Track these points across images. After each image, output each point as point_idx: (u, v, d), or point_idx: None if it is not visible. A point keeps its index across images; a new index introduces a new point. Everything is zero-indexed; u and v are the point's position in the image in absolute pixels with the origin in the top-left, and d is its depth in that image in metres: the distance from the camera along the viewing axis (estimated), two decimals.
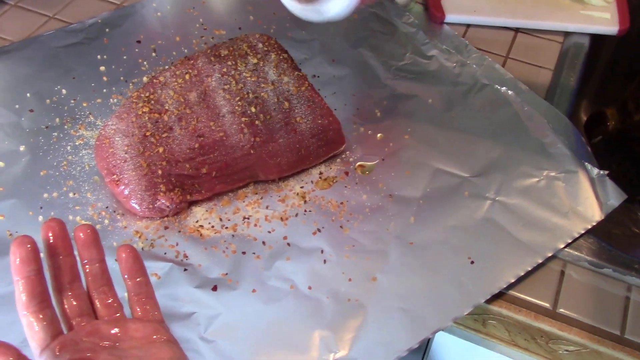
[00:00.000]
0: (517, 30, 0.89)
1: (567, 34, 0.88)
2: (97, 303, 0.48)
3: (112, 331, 0.46)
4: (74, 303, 0.46)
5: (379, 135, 0.74)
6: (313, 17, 0.60)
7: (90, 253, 0.48)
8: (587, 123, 1.00)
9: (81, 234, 0.48)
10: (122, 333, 0.46)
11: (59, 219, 0.47)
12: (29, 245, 0.44)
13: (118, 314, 0.48)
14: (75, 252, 0.47)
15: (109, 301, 0.48)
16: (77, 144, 0.71)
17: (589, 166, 0.71)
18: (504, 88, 0.79)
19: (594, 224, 0.66)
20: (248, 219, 0.66)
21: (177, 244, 0.64)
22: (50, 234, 0.46)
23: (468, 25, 0.89)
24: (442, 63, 0.83)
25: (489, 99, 0.78)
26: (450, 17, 0.88)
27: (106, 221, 0.65)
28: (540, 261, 0.63)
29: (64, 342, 0.43)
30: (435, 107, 0.77)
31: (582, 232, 0.66)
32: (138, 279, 0.49)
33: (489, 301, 0.61)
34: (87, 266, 0.48)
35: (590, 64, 0.89)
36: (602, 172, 0.70)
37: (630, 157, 0.92)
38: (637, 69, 0.99)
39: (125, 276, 0.49)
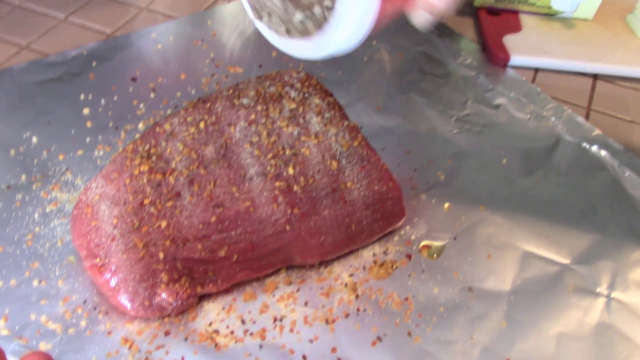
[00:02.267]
0: (595, 76, 0.73)
1: None
2: None
3: None
4: None
5: (446, 205, 0.57)
6: (311, 53, 0.44)
7: None
8: None
9: None
10: None
11: (43, 353, 0.29)
12: None
13: None
14: None
15: None
16: (48, 210, 0.53)
17: None
18: (595, 147, 0.63)
19: None
20: (281, 320, 0.48)
21: (183, 359, 0.45)
22: None
23: (537, 69, 0.73)
24: (512, 114, 0.66)
25: (577, 161, 0.62)
26: (515, 59, 0.72)
27: (83, 323, 0.46)
28: None
29: None
30: (512, 170, 0.61)
31: None
32: None
33: None
34: None
35: None
36: None
37: None
38: None
39: None
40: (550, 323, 0.49)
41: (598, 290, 0.51)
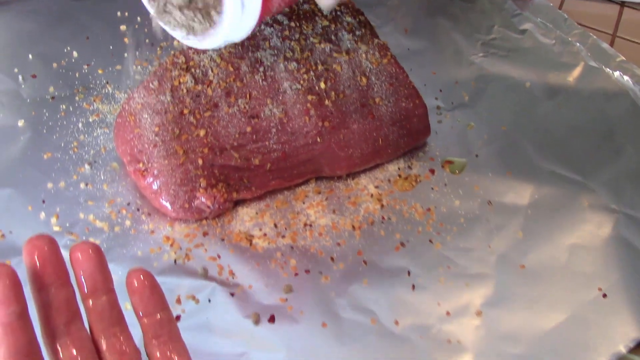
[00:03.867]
0: (622, 3, 0.74)
1: None
2: (105, 350, 0.34)
3: None
4: (74, 352, 0.32)
5: (469, 124, 0.59)
6: (207, 45, 0.45)
7: (94, 282, 0.33)
8: None
9: (80, 255, 0.33)
10: None
11: (47, 235, 0.32)
12: (7, 279, 0.30)
13: None
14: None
15: (122, 347, 0.34)
16: (91, 120, 0.56)
17: None
18: (618, 73, 0.64)
19: None
20: (310, 225, 0.51)
21: (219, 257, 0.49)
22: (36, 258, 0.32)
23: None
24: (538, 39, 0.68)
25: (600, 86, 0.64)
26: None
27: (127, 222, 0.50)
28: None
29: None
30: (535, 93, 0.63)
31: None
32: (158, 316, 0.35)
33: (631, 350, 0.46)
34: (89, 300, 0.33)
35: None
36: None
37: None
38: None
39: (140, 313, 0.34)
40: (564, 235, 0.52)
41: (613, 206, 0.54)
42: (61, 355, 0.32)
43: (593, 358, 0.45)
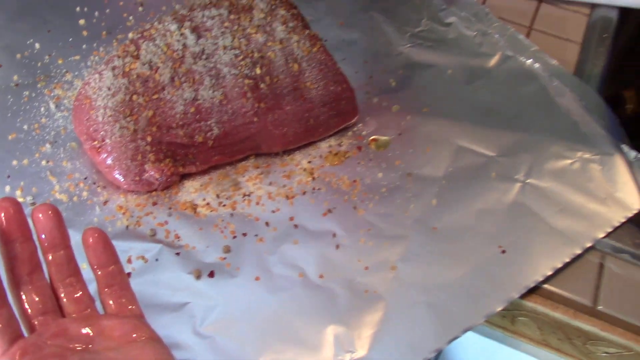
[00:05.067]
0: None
1: (594, 5, 0.81)
2: (64, 298, 0.40)
3: (83, 331, 0.38)
4: (36, 299, 0.38)
5: (394, 107, 0.66)
6: None
7: (53, 238, 0.39)
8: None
9: (40, 215, 0.39)
10: (95, 332, 0.38)
11: (12, 197, 0.39)
12: None
13: (89, 310, 0.40)
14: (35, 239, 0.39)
15: (78, 295, 0.40)
16: (51, 105, 0.62)
17: (625, 148, 0.64)
18: (530, 60, 0.72)
19: (635, 212, 0.59)
20: (249, 195, 0.58)
21: (167, 222, 0.55)
22: (2, 217, 0.38)
23: None
24: (461, 31, 0.75)
25: (513, 72, 0.71)
26: None
27: (85, 194, 0.56)
28: (578, 252, 0.56)
29: (25, 347, 0.35)
30: (456, 79, 0.70)
31: (623, 220, 0.59)
32: (110, 268, 0.41)
33: (522, 296, 0.54)
34: (49, 254, 0.39)
35: (614, 40, 0.82)
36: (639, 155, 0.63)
37: None
38: None
39: (95, 265, 0.40)
40: (473, 202, 0.59)
41: (516, 177, 0.61)
42: (24, 300, 0.38)
43: (490, 303, 0.52)
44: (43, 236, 0.39)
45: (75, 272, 0.40)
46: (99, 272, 0.41)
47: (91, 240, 0.40)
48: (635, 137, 0.86)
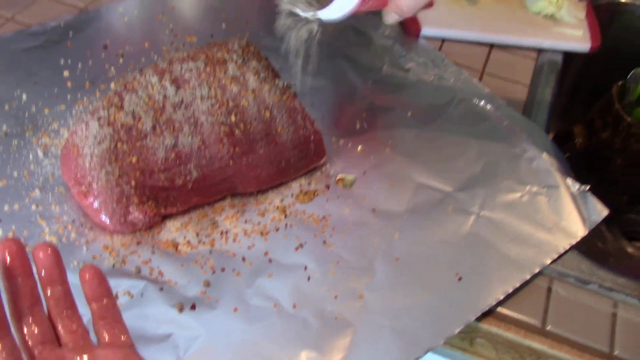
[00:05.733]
0: (491, 45, 0.89)
1: (540, 50, 0.89)
2: (61, 329, 0.43)
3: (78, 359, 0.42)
4: (35, 330, 0.42)
5: (359, 147, 0.72)
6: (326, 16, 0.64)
7: (51, 274, 0.43)
8: (555, 140, 1.00)
9: (41, 254, 0.43)
10: None
11: (16, 237, 0.43)
12: None
13: (84, 341, 0.44)
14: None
15: (74, 326, 0.44)
16: (39, 152, 0.67)
17: (569, 181, 0.70)
18: (483, 102, 0.78)
19: (579, 239, 0.65)
20: (226, 233, 0.63)
21: (150, 260, 0.60)
22: (7, 254, 0.42)
23: (443, 40, 0.88)
24: (420, 76, 0.81)
25: (468, 113, 0.77)
26: (425, 31, 0.87)
27: (73, 235, 0.60)
28: (528, 277, 0.62)
29: None
30: (416, 120, 0.76)
31: (568, 247, 0.65)
32: (104, 301, 0.45)
33: (478, 319, 0.59)
34: (48, 289, 0.44)
35: (560, 81, 0.89)
36: (583, 187, 0.70)
37: (597, 174, 0.93)
38: (603, 87, 1.00)
39: (90, 299, 0.45)
40: (432, 233, 0.65)
41: (471, 210, 0.67)
42: (25, 331, 0.42)
43: (450, 325, 0.57)
44: (43, 272, 0.43)
45: (72, 305, 0.44)
46: (94, 305, 0.45)
47: (87, 276, 0.44)
48: (587, 168, 0.93)
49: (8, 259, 0.42)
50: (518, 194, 0.69)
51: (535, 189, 0.69)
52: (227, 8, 0.87)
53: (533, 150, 0.73)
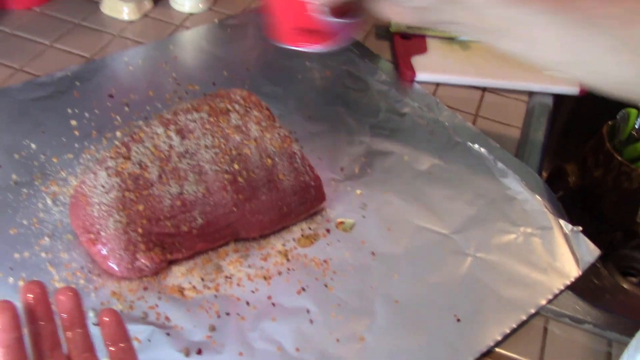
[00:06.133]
0: (484, 89, 0.92)
1: (531, 93, 0.92)
2: None
3: None
4: None
5: (358, 191, 0.74)
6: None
7: (72, 318, 0.45)
8: (549, 178, 1.03)
9: (62, 298, 0.45)
10: None
11: (39, 281, 0.45)
12: (10, 312, 0.42)
13: None
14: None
15: None
16: (48, 200, 0.69)
17: (562, 222, 0.72)
18: (476, 145, 0.81)
19: (572, 279, 0.67)
20: (230, 278, 0.64)
21: (157, 306, 0.61)
22: (30, 298, 0.44)
23: (437, 84, 0.91)
24: (415, 120, 0.84)
25: (462, 156, 0.80)
26: (420, 76, 0.90)
27: (82, 281, 0.62)
28: (524, 318, 0.64)
29: None
30: (412, 164, 0.78)
31: (562, 288, 0.67)
32: (121, 345, 0.47)
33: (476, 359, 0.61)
34: (68, 332, 0.45)
35: (551, 122, 0.92)
36: (575, 228, 0.72)
37: (591, 212, 0.95)
38: (594, 126, 1.03)
39: (108, 342, 0.46)
40: (430, 275, 0.66)
41: (467, 251, 0.69)
42: None
43: None
44: (64, 315, 0.45)
45: (90, 348, 0.46)
46: (112, 348, 0.46)
47: (106, 319, 0.46)
48: (580, 206, 0.96)
49: (31, 302, 0.43)
50: (512, 236, 0.71)
51: (529, 230, 0.72)
52: (228, 57, 0.90)
53: (526, 192, 0.76)
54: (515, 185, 0.76)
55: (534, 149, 0.84)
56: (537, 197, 0.75)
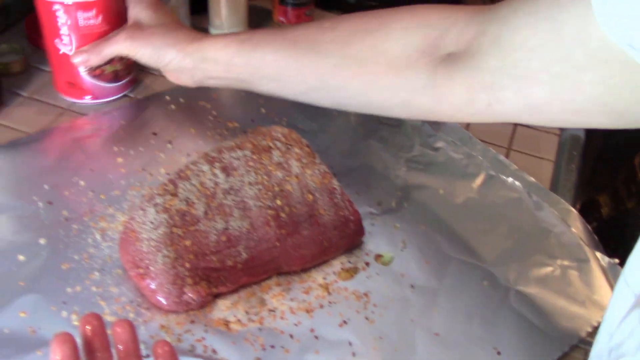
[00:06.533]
0: (516, 123, 0.93)
1: None
2: None
3: None
4: None
5: (395, 225, 0.76)
6: None
7: (128, 349, 0.48)
8: (581, 209, 1.04)
9: (119, 329, 0.48)
10: None
11: (97, 314, 0.47)
12: (70, 344, 0.44)
13: None
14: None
15: None
16: (97, 236, 0.71)
17: (599, 255, 0.73)
18: (510, 179, 0.82)
19: None
20: (274, 311, 0.66)
21: (204, 339, 0.63)
22: (88, 330, 0.46)
23: None
24: (449, 155, 0.86)
25: (497, 190, 0.81)
26: None
27: (131, 315, 0.64)
28: (565, 350, 0.64)
29: None
30: (447, 198, 0.80)
31: (601, 320, 0.67)
32: None
33: None
34: None
35: (583, 154, 0.93)
36: (612, 260, 0.72)
37: (625, 242, 0.95)
38: (626, 157, 1.04)
39: None
40: (468, 308, 0.68)
41: (505, 284, 0.70)
42: None
43: None
44: (120, 347, 0.47)
45: None
46: None
47: (160, 351, 0.48)
48: (614, 237, 0.96)
49: (89, 333, 0.46)
50: (550, 268, 0.72)
51: (566, 263, 0.72)
52: (265, 95, 0.93)
53: (562, 224, 0.77)
54: (550, 218, 0.78)
55: (567, 182, 0.85)
56: (573, 229, 0.76)
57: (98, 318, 0.47)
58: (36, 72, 0.94)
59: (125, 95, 0.91)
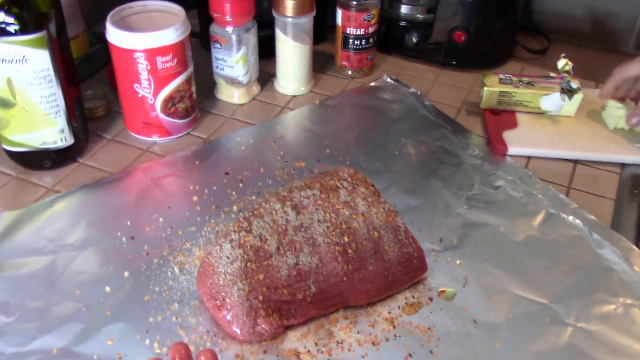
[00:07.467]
0: (575, 161, 0.95)
1: (623, 164, 0.94)
2: None
3: None
4: None
5: (457, 262, 0.78)
6: None
7: None
8: None
9: (203, 358, 0.52)
10: None
11: (184, 343, 0.52)
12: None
13: None
14: None
15: None
16: (176, 269, 0.77)
17: None
18: (571, 217, 0.84)
19: None
20: (341, 343, 0.69)
21: None
22: (177, 358, 0.50)
23: (529, 157, 0.95)
24: (509, 193, 0.88)
25: (557, 228, 0.83)
26: (512, 150, 0.94)
27: (208, 344, 0.69)
28: None
29: None
30: (508, 235, 0.82)
31: None
32: None
33: None
34: None
35: None
36: None
37: None
38: None
39: None
40: (531, 344, 0.69)
41: (567, 321, 0.71)
42: None
43: None
44: None
45: None
46: None
47: None
48: None
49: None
50: (612, 306, 0.73)
51: (629, 301, 0.73)
52: (329, 135, 0.98)
53: (624, 262, 0.78)
54: (612, 256, 0.79)
55: (629, 220, 0.85)
56: (635, 267, 0.77)
57: (185, 347, 0.51)
58: (116, 116, 1.01)
59: (188, 133, 0.98)
